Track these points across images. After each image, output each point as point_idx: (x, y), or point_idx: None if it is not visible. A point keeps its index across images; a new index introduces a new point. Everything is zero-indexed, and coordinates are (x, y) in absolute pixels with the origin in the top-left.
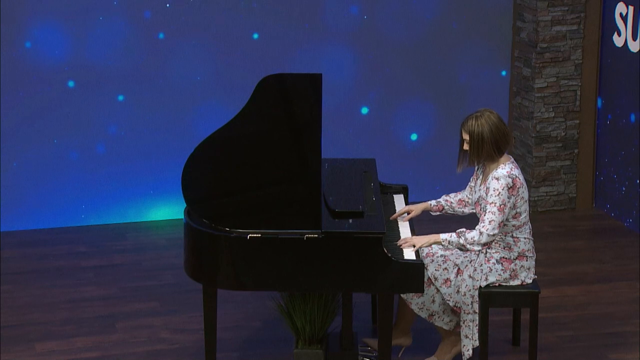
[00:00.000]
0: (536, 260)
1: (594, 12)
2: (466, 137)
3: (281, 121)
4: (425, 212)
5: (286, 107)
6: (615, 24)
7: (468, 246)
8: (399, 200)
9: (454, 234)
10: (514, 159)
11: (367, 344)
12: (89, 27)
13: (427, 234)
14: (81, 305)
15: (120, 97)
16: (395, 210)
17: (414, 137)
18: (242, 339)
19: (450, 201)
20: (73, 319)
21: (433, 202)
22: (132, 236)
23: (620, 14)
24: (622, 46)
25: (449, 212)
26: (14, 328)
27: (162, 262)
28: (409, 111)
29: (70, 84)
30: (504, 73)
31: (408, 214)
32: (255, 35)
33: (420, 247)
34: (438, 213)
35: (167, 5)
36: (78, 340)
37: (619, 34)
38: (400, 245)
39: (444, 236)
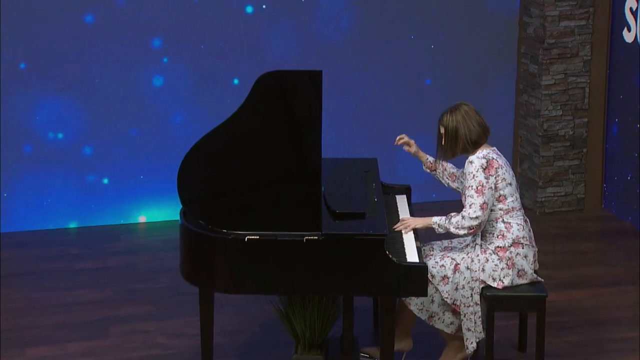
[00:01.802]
0: (543, 263)
1: (603, 6)
2: (443, 131)
3: (280, 119)
4: (423, 208)
5: (285, 104)
6: (625, 19)
7: (452, 229)
8: (401, 201)
9: (444, 217)
10: (519, 157)
11: (367, 352)
12: (87, 35)
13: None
14: (74, 309)
15: (118, 99)
16: (396, 211)
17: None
18: (239, 344)
19: (445, 167)
20: (66, 323)
21: (430, 158)
22: (126, 238)
23: (631, 9)
24: (632, 42)
25: (437, 176)
26: (5, 332)
27: (157, 265)
28: (409, 108)
29: (68, 86)
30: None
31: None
32: (257, 36)
33: (415, 227)
34: (428, 171)
35: (162, 6)
36: (71, 346)
37: (629, 30)
38: (396, 228)
39: (435, 219)
